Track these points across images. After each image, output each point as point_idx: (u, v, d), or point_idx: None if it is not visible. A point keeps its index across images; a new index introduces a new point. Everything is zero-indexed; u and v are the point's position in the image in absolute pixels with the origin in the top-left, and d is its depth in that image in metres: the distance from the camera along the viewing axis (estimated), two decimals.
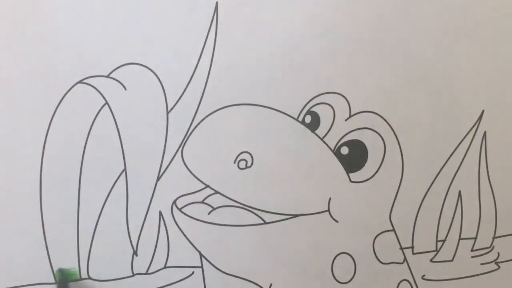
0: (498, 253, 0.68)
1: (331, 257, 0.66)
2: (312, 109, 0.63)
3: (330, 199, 0.64)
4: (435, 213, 0.66)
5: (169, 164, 0.62)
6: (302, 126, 0.64)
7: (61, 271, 0.61)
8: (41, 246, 0.61)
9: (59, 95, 0.60)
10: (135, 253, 0.63)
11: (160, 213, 0.63)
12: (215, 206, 0.63)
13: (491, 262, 0.68)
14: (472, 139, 0.66)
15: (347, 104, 0.64)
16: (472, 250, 0.67)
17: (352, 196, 0.65)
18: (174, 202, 0.63)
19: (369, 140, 0.64)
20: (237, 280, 0.65)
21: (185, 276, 0.64)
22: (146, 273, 0.63)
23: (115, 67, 0.61)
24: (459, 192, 0.66)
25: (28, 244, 0.61)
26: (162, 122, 0.62)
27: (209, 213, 0.63)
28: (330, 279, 0.66)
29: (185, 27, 0.61)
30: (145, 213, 0.63)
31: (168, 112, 0.62)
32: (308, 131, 0.64)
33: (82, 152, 0.61)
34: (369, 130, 0.64)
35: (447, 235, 0.67)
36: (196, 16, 0.61)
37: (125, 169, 0.62)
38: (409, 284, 0.67)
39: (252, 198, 0.63)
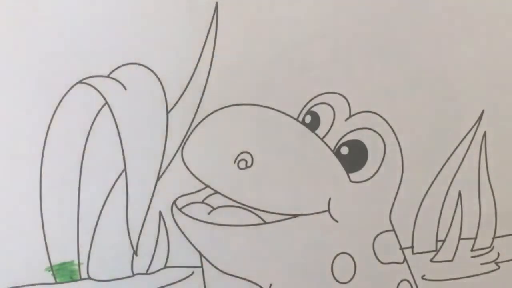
0: (498, 253, 0.68)
1: (331, 257, 0.65)
2: (312, 109, 0.63)
3: (330, 199, 0.64)
4: (435, 213, 0.66)
5: (169, 164, 0.62)
6: (302, 126, 0.64)
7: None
8: (41, 246, 0.61)
9: (59, 95, 0.60)
10: (135, 253, 0.63)
11: (160, 213, 0.63)
12: (215, 206, 0.63)
13: (491, 262, 0.68)
14: (472, 139, 0.66)
15: (347, 104, 0.64)
16: (472, 250, 0.67)
17: (352, 196, 0.65)
18: (174, 202, 0.63)
19: (369, 140, 0.64)
20: (237, 280, 0.65)
21: (185, 276, 0.64)
22: (146, 273, 0.63)
23: (115, 67, 0.61)
24: (459, 192, 0.66)
25: (28, 244, 0.61)
26: (162, 122, 0.62)
27: (209, 213, 0.63)
28: (330, 279, 0.66)
29: (185, 27, 0.61)
30: (145, 213, 0.63)
31: (168, 112, 0.62)
32: (308, 131, 0.64)
33: (82, 152, 0.61)
34: (369, 130, 0.64)
35: (447, 235, 0.67)
36: (196, 16, 0.61)
37: (125, 169, 0.62)
38: (409, 284, 0.67)
39: (252, 198, 0.63)
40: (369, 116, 0.64)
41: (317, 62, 0.63)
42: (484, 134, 0.66)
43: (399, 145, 0.65)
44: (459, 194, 0.66)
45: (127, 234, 0.63)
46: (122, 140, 0.61)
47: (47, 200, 0.61)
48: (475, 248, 0.67)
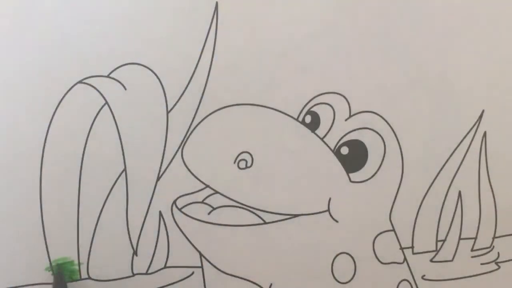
0: (498, 253, 0.68)
1: (331, 257, 0.66)
2: (312, 109, 0.63)
3: (330, 199, 0.64)
4: (435, 213, 0.66)
5: (169, 164, 0.62)
6: (302, 126, 0.64)
7: (59, 266, 0.61)
8: (41, 246, 0.61)
9: (59, 95, 0.60)
10: (135, 253, 0.63)
11: (160, 213, 0.63)
12: (215, 206, 0.63)
13: (491, 262, 0.68)
14: (472, 139, 0.66)
15: (347, 104, 0.64)
16: (472, 250, 0.67)
17: (352, 196, 0.65)
18: (174, 202, 0.63)
19: (369, 140, 0.64)
20: (237, 280, 0.65)
21: (185, 276, 0.64)
22: (146, 273, 0.63)
23: (115, 67, 0.61)
24: (459, 192, 0.66)
25: (28, 244, 0.61)
26: (162, 122, 0.62)
27: (209, 213, 0.63)
28: (330, 279, 0.66)
29: (185, 27, 0.61)
30: (145, 213, 0.63)
31: (168, 112, 0.62)
32: (308, 131, 0.64)
33: (82, 152, 0.61)
34: (369, 130, 0.64)
35: (447, 235, 0.67)
36: (196, 16, 0.61)
37: (125, 169, 0.62)
38: (409, 284, 0.67)
39: (252, 198, 0.63)
40: (369, 116, 0.64)
41: (317, 62, 0.63)
42: (484, 134, 0.66)
43: (399, 145, 0.65)
44: (459, 194, 0.66)
45: (127, 234, 0.63)
46: (122, 140, 0.61)
47: (47, 200, 0.61)
48: (475, 248, 0.67)
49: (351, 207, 0.65)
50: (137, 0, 0.60)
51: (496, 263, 0.68)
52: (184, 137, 0.62)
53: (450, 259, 0.67)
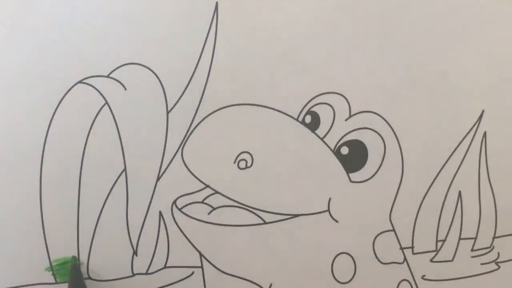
0: (498, 253, 0.68)
1: (331, 257, 0.66)
2: (312, 109, 0.64)
3: (330, 199, 0.65)
4: (435, 213, 0.66)
5: (169, 164, 0.62)
6: (302, 126, 0.64)
7: (74, 259, 0.61)
8: (41, 246, 0.61)
9: (59, 95, 0.60)
10: (135, 253, 0.63)
11: (160, 213, 0.63)
12: (215, 206, 0.63)
13: (491, 262, 0.68)
14: (472, 139, 0.66)
15: (347, 104, 0.64)
16: (472, 250, 0.67)
17: (352, 196, 0.65)
18: (174, 202, 0.63)
19: (369, 140, 0.64)
20: (237, 280, 0.65)
21: (185, 276, 0.64)
22: (146, 273, 0.63)
23: (115, 67, 0.61)
24: (459, 192, 0.66)
25: (28, 244, 0.61)
26: (162, 122, 0.62)
27: (209, 213, 0.63)
28: (330, 279, 0.66)
29: (185, 27, 0.61)
30: (145, 213, 0.63)
31: (168, 112, 0.62)
32: (308, 131, 0.64)
33: (82, 152, 0.61)
34: (369, 130, 0.64)
35: (447, 235, 0.67)
36: (196, 16, 0.61)
37: (125, 169, 0.62)
38: (409, 284, 0.67)
39: (252, 198, 0.63)
40: (369, 116, 0.64)
41: (317, 62, 0.63)
42: (484, 134, 0.66)
43: (399, 145, 0.65)
44: (459, 194, 0.66)
45: (127, 234, 0.63)
46: (122, 140, 0.61)
47: (47, 200, 0.61)
48: (475, 248, 0.67)
49: (351, 207, 0.65)
50: (137, 0, 0.60)
51: (496, 263, 0.68)
52: (184, 137, 0.62)
53: (450, 259, 0.67)
